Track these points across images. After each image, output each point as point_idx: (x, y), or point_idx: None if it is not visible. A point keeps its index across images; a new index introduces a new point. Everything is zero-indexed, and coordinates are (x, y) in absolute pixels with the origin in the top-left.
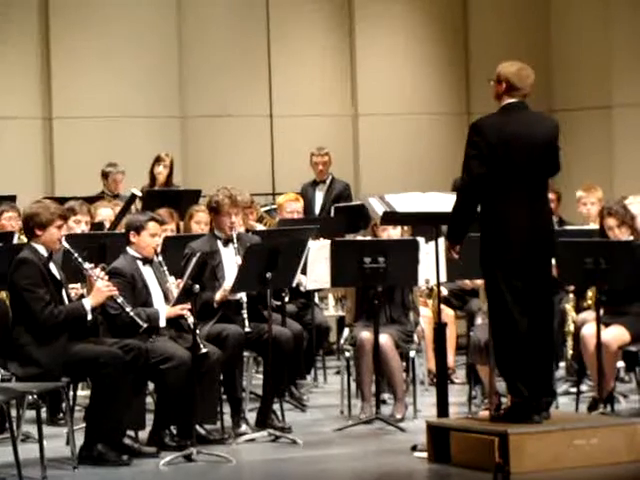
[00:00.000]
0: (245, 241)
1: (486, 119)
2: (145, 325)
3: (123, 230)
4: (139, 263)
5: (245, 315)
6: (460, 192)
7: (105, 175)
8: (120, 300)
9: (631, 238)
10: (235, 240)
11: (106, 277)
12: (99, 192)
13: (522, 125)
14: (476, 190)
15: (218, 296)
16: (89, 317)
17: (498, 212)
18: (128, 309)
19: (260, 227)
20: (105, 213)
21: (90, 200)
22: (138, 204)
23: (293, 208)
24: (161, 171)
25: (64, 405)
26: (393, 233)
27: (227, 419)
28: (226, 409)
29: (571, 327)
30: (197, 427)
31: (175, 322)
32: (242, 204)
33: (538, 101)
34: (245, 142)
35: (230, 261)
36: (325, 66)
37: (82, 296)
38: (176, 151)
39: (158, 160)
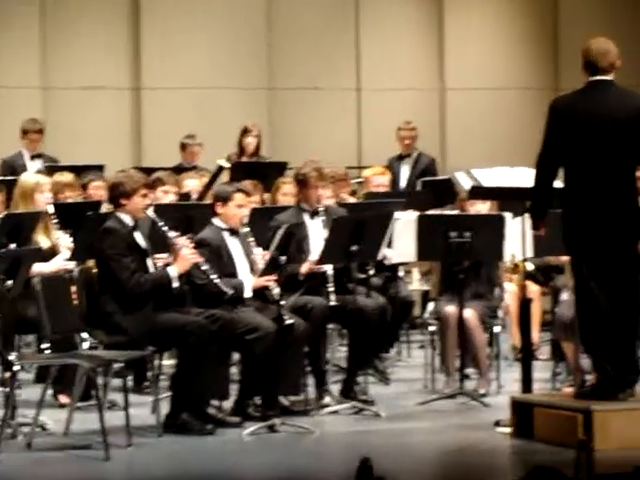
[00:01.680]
0: (332, 214)
1: (562, 98)
2: (230, 292)
3: (210, 201)
4: (225, 234)
5: (332, 288)
6: (536, 171)
7: (183, 147)
8: (205, 267)
9: None
10: (322, 213)
11: (191, 245)
12: (177, 164)
13: (601, 104)
14: (548, 168)
15: (304, 268)
16: (174, 285)
17: (573, 192)
18: (213, 276)
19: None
20: (192, 184)
21: (176, 171)
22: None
23: (379, 182)
24: (250, 141)
25: (150, 374)
26: (481, 208)
27: (311, 391)
28: (310, 381)
29: None
30: (281, 398)
31: (260, 294)
32: (336, 177)
33: (631, 76)
34: (332, 115)
35: (316, 234)
36: (414, 40)
37: (168, 265)
38: (263, 123)
39: (246, 131)
